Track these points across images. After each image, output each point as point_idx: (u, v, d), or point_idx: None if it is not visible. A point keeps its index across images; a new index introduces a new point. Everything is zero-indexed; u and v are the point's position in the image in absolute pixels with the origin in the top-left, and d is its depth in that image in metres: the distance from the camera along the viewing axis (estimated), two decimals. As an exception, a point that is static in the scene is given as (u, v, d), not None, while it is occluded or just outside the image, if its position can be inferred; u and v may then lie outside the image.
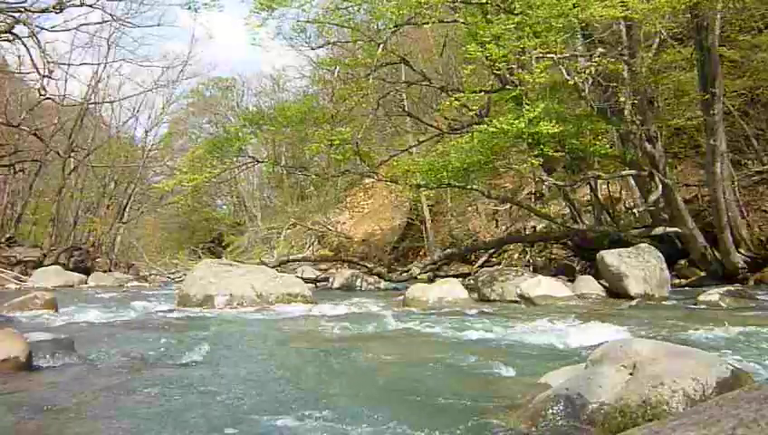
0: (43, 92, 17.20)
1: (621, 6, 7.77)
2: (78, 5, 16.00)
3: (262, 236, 24.77)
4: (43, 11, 15.44)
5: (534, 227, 14.99)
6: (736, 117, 11.23)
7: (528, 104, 8.42)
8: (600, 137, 10.62)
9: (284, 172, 24.91)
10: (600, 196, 12.05)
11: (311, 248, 22.19)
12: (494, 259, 14.76)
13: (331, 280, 13.23)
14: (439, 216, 18.49)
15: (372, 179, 17.11)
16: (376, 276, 12.73)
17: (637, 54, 9.28)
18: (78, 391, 3.13)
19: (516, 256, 14.61)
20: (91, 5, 16.43)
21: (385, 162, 13.21)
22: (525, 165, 10.86)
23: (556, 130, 8.26)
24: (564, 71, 8.20)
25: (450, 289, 8.08)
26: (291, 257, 16.50)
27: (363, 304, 7.97)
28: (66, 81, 21.19)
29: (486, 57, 8.06)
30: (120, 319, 6.57)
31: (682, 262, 10.46)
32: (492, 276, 8.76)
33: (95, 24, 19.53)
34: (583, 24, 8.90)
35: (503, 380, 3.32)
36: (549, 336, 4.65)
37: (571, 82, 8.30)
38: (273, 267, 11.00)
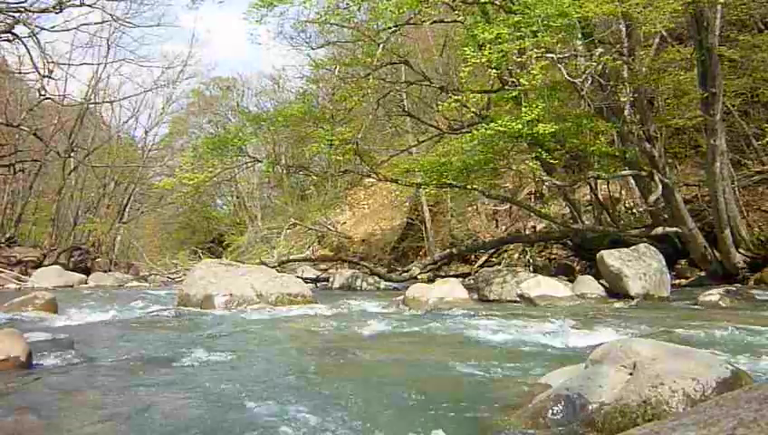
0: (43, 92, 17.24)
1: (618, 2, 7.77)
2: (78, 5, 16.03)
3: (262, 236, 24.76)
4: (43, 11, 15.46)
5: (534, 227, 14.99)
6: (736, 117, 11.23)
7: (527, 105, 8.42)
8: (599, 136, 10.61)
9: (284, 172, 24.91)
10: (599, 196, 12.04)
11: (311, 248, 22.19)
12: (494, 259, 14.76)
13: (331, 280, 13.23)
14: (439, 216, 18.48)
15: (372, 179, 17.12)
16: (376, 276, 12.73)
17: (636, 53, 9.28)
18: (78, 391, 3.13)
19: (516, 256, 14.60)
20: (90, 5, 16.46)
21: (385, 162, 13.21)
22: (525, 165, 10.87)
23: (554, 129, 8.26)
24: (564, 70, 8.19)
25: (450, 289, 8.08)
26: (291, 257, 16.52)
27: (363, 305, 7.97)
28: (66, 81, 21.39)
29: (485, 61, 8.05)
30: (119, 319, 6.57)
31: (682, 262, 10.45)
32: (492, 276, 8.75)
33: (95, 24, 19.64)
34: (583, 24, 8.90)
35: (503, 380, 3.32)
36: (549, 336, 4.65)
37: (570, 81, 8.29)
38: (273, 267, 11.00)
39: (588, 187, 11.91)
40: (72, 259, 19.61)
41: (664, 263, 8.29)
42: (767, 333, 4.58)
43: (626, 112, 9.37)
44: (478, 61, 8.11)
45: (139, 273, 21.09)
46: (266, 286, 7.94)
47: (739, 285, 8.39)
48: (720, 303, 6.80)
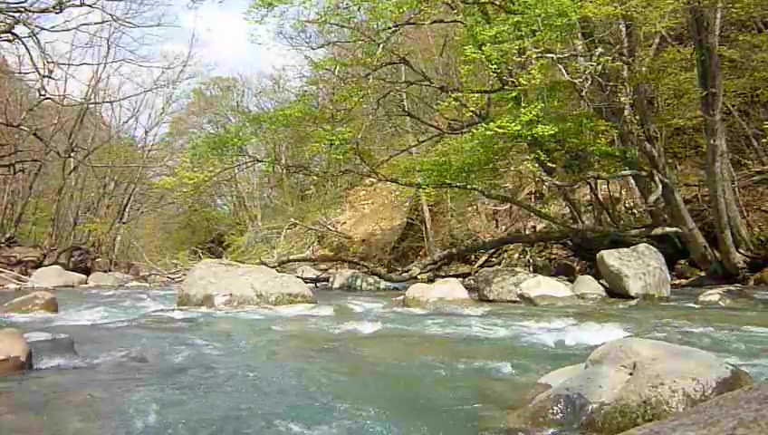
0: (43, 92, 17.26)
1: (617, 3, 7.78)
2: (78, 5, 16.04)
3: (262, 236, 24.76)
4: (43, 11, 15.47)
5: (534, 227, 14.98)
6: (736, 117, 11.23)
7: (525, 106, 8.41)
8: (599, 136, 10.62)
9: (284, 172, 24.93)
10: (600, 196, 12.04)
11: (311, 248, 22.18)
12: (494, 259, 14.76)
13: (331, 280, 13.23)
14: (439, 216, 18.47)
15: (373, 179, 17.13)
16: (376, 276, 12.72)
17: (636, 53, 9.28)
18: (78, 391, 3.13)
19: (516, 256, 14.59)
20: (90, 5, 16.47)
21: (385, 162, 13.22)
22: (525, 165, 10.87)
23: (553, 131, 8.26)
24: (564, 70, 8.19)
25: (450, 289, 8.07)
26: (291, 257, 16.52)
27: (363, 305, 7.97)
28: (66, 81, 21.40)
29: (484, 58, 8.05)
30: (119, 319, 6.57)
31: (682, 262, 10.46)
32: (492, 276, 8.75)
33: (95, 24, 19.63)
34: (583, 24, 8.90)
35: (503, 380, 3.32)
36: (549, 336, 4.65)
37: (570, 81, 8.29)
38: (273, 267, 10.99)
39: (588, 187, 11.91)
40: (72, 259, 19.60)
41: (664, 263, 8.29)
42: (767, 333, 4.58)
43: (626, 112, 9.38)
44: (478, 57, 8.11)
45: (139, 273, 21.08)
46: (266, 286, 7.94)
47: (739, 285, 8.40)
48: (720, 303, 6.80)
